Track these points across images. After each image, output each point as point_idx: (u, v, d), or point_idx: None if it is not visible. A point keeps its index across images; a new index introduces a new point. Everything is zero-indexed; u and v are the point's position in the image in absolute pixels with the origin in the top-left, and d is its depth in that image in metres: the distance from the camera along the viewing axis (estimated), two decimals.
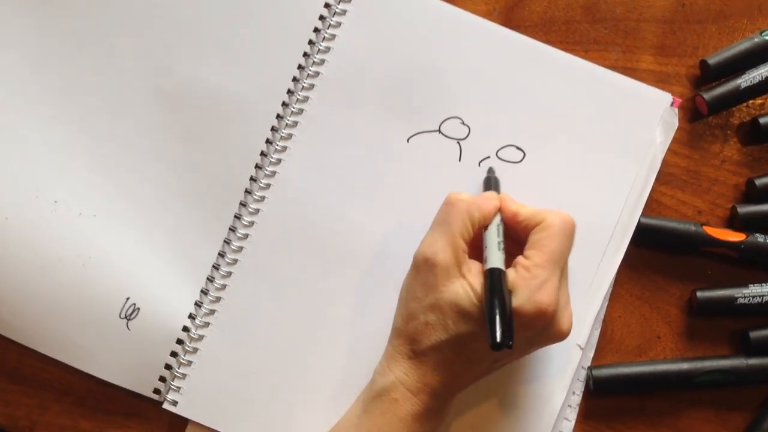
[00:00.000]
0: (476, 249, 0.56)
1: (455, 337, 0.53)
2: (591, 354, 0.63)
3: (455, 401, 0.58)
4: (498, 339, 0.49)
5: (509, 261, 0.55)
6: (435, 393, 0.54)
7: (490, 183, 0.61)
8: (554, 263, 0.53)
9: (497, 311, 0.51)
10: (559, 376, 0.61)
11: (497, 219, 0.57)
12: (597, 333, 0.63)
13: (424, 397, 0.54)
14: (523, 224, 0.56)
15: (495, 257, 0.54)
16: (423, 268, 0.54)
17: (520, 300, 0.52)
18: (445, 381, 0.54)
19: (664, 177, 0.65)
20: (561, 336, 0.55)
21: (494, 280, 0.53)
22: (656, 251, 0.64)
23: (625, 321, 0.63)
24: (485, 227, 0.57)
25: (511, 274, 0.54)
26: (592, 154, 0.63)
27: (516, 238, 0.57)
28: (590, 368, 0.62)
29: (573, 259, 0.58)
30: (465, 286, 0.54)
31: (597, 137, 0.63)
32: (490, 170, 0.62)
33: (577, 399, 0.62)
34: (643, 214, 0.63)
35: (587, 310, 0.62)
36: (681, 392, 0.63)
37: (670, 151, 0.65)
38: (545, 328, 0.54)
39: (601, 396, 0.62)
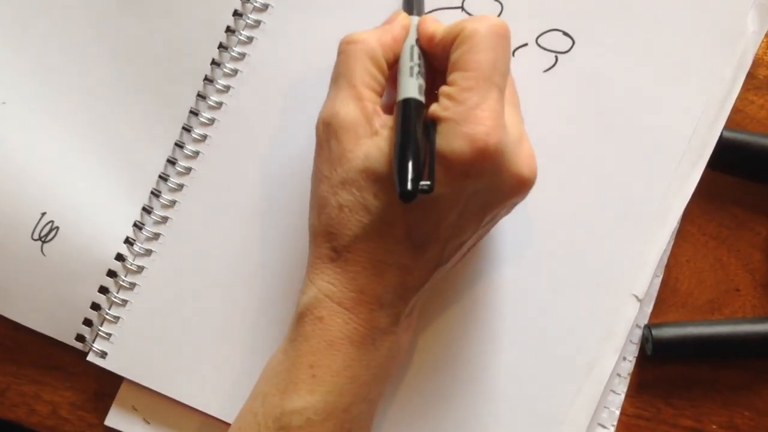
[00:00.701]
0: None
1: (381, 214, 0.45)
2: (649, 309, 0.55)
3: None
4: (408, 185, 0.42)
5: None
6: (376, 301, 0.46)
7: (411, 1, 0.52)
8: (485, 80, 0.45)
9: (407, 149, 0.43)
10: (606, 335, 0.53)
11: (411, 39, 0.49)
12: (658, 282, 0.55)
13: (361, 310, 0.46)
14: (441, 45, 0.47)
15: (408, 86, 0.46)
16: (325, 137, 0.47)
17: (445, 137, 0.44)
18: (386, 282, 0.46)
19: (754, 80, 0.57)
20: (521, 183, 0.46)
21: (407, 113, 0.45)
22: (739, 177, 0.57)
23: (695, 267, 0.56)
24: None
25: (432, 107, 0.45)
26: (661, 44, 0.55)
27: (442, 71, 0.48)
28: (648, 327, 0.54)
29: (629, 181, 0.53)
30: (380, 142, 0.45)
31: (669, 23, 0.55)
32: None
33: (629, 366, 0.55)
34: (726, 126, 0.55)
35: (647, 251, 0.54)
36: (764, 361, 0.56)
37: (765, 45, 0.57)
38: (493, 172, 0.45)
39: (661, 363, 0.56)
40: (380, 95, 0.47)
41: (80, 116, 0.55)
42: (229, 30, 0.55)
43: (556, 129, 0.54)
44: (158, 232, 0.55)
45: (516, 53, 0.54)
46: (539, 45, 0.55)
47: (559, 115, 0.54)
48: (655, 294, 0.55)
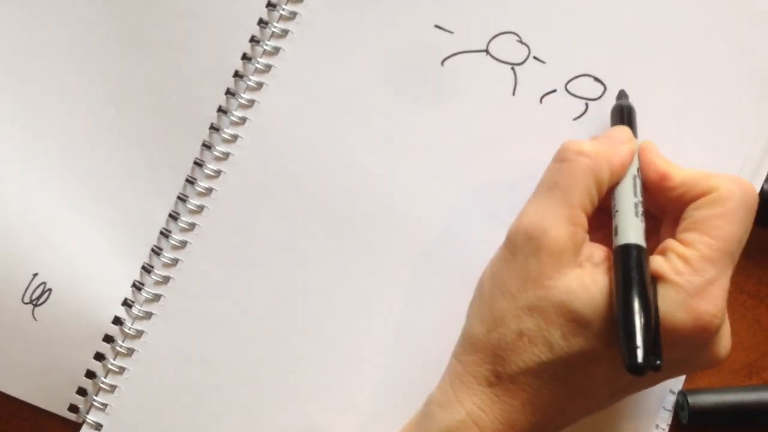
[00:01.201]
0: (599, 227, 0.46)
1: (563, 357, 0.43)
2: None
3: None
4: (640, 358, 0.39)
5: (649, 241, 0.44)
6: None
7: (622, 114, 0.49)
8: (728, 255, 0.43)
9: (637, 312, 0.40)
10: (639, 403, 0.52)
11: (633, 169, 0.45)
12: None
13: None
14: (677, 192, 0.45)
15: (631, 227, 0.43)
16: (522, 250, 0.44)
17: (671, 303, 0.42)
18: (536, 419, 0.44)
19: None
20: (715, 362, 0.45)
21: (631, 264, 0.42)
22: None
23: (733, 328, 0.51)
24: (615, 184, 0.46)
25: (658, 261, 0.43)
26: (698, 90, 0.52)
27: (659, 210, 0.47)
28: (683, 393, 0.52)
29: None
30: (584, 279, 0.42)
31: (706, 66, 0.52)
32: (622, 94, 0.51)
33: None
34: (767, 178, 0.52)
35: None
36: None
37: None
38: (699, 348, 0.43)
39: (697, 431, 0.53)
40: (590, 220, 0.45)
41: (75, 166, 0.53)
42: (237, 75, 0.53)
43: None
44: (159, 293, 0.52)
45: (544, 100, 0.52)
46: (569, 91, 0.52)
47: None
48: None
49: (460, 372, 0.45)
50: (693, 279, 0.42)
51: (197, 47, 0.53)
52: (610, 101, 0.52)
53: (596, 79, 0.52)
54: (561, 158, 0.45)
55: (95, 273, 0.53)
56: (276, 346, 0.52)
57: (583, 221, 0.44)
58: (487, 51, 0.52)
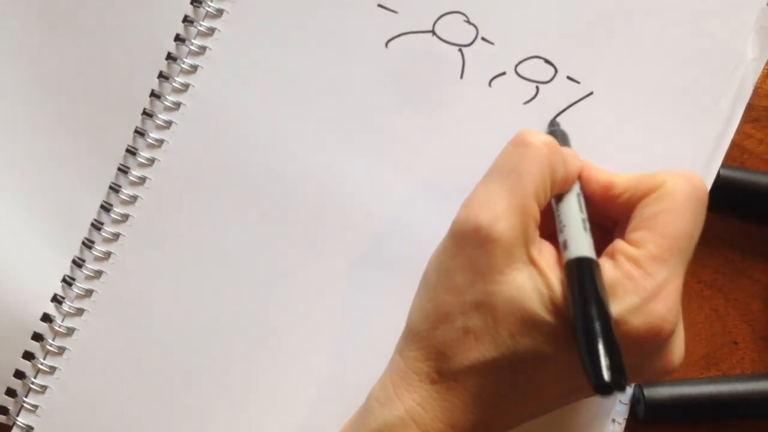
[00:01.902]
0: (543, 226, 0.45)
1: (510, 357, 0.41)
2: None
3: None
4: (606, 377, 0.38)
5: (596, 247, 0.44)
6: None
7: (557, 140, 0.47)
8: (679, 253, 0.41)
9: (599, 332, 0.39)
10: (595, 398, 0.50)
11: (576, 187, 0.45)
12: None
13: None
14: (624, 197, 0.44)
15: (582, 241, 0.42)
16: (470, 241, 0.42)
17: (623, 310, 0.40)
18: (477, 419, 0.43)
19: (753, 111, 0.55)
20: (668, 368, 0.44)
21: (587, 279, 0.41)
22: (737, 218, 0.55)
23: (689, 318, 0.54)
24: (558, 197, 0.44)
25: (608, 268, 0.41)
26: (652, 73, 0.52)
27: (609, 221, 0.46)
28: (639, 386, 0.52)
29: None
30: (535, 277, 0.41)
31: (660, 48, 0.52)
32: (554, 123, 0.50)
33: (619, 429, 0.52)
34: (723, 164, 0.52)
35: None
36: (765, 422, 0.54)
37: (766, 74, 0.55)
38: (652, 354, 0.42)
39: (654, 425, 0.54)
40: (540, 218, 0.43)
41: None
42: (170, 57, 0.51)
43: None
44: (91, 288, 0.51)
45: (493, 83, 0.51)
46: (518, 74, 0.51)
47: None
48: None
49: (401, 367, 0.44)
50: (645, 283, 0.41)
51: (127, 28, 0.51)
52: (561, 84, 0.51)
53: (547, 62, 0.51)
54: (521, 143, 0.43)
55: (22, 267, 0.52)
56: (213, 342, 0.51)
57: (537, 213, 0.42)
58: (433, 32, 0.51)
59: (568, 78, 0.51)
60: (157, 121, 0.50)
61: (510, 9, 0.51)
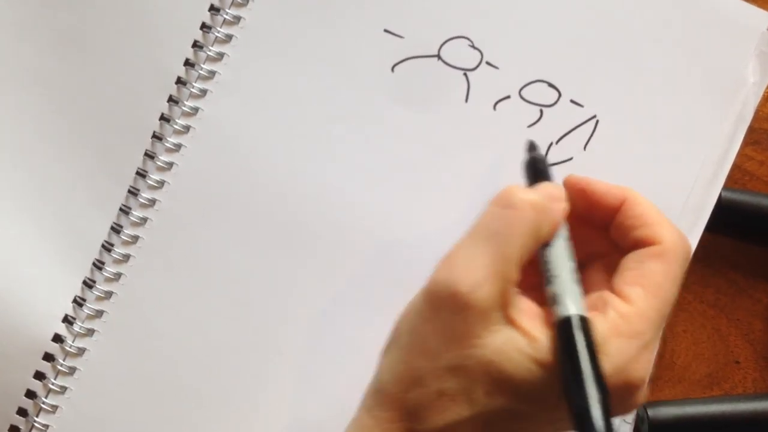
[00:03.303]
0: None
1: (484, 413, 0.40)
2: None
3: None
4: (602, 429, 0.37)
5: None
6: None
7: (536, 169, 0.46)
8: (663, 318, 0.41)
9: (598, 395, 0.38)
10: None
11: (563, 232, 0.43)
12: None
13: None
14: (626, 224, 0.43)
15: (572, 296, 0.41)
16: (446, 307, 0.40)
17: (608, 368, 0.39)
18: None
19: (754, 134, 0.55)
20: (632, 408, 0.43)
21: (579, 340, 0.39)
22: (739, 240, 0.55)
23: (692, 338, 0.54)
24: (544, 243, 0.43)
25: (599, 322, 0.40)
26: (654, 97, 0.52)
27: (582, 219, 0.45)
28: (643, 406, 0.52)
29: None
30: (516, 340, 0.40)
31: (662, 73, 0.52)
32: (532, 146, 0.48)
33: None
34: (725, 186, 0.52)
35: None
36: None
37: (767, 97, 0.54)
38: (623, 400, 0.41)
39: None
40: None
41: (11, 177, 0.52)
42: (180, 81, 0.51)
43: None
44: (101, 309, 0.51)
45: (498, 106, 0.51)
46: (523, 98, 0.51)
47: None
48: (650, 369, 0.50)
49: (370, 427, 0.42)
50: (633, 342, 0.40)
51: (138, 52, 0.51)
52: (564, 108, 0.51)
53: (550, 85, 0.51)
54: (506, 204, 0.41)
55: (34, 288, 0.52)
56: (222, 363, 0.51)
57: (516, 278, 0.41)
58: (438, 56, 0.51)
59: (572, 101, 0.51)
60: (167, 145, 0.50)
61: (514, 34, 0.51)
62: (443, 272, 0.41)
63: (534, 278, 0.42)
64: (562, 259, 0.42)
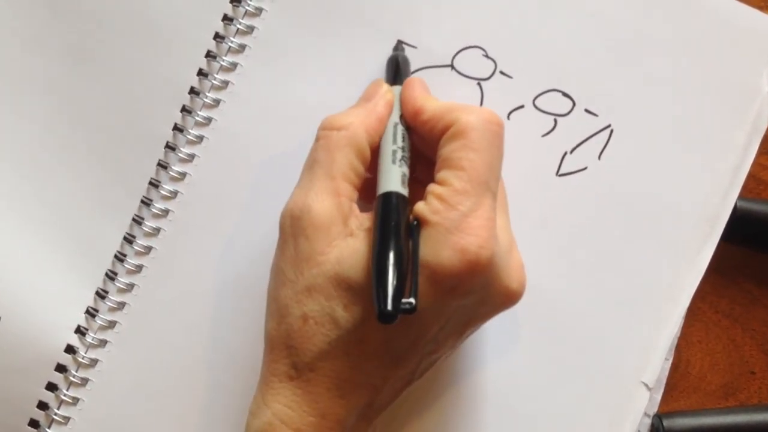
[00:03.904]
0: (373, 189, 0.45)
1: (351, 329, 0.41)
2: (659, 395, 0.52)
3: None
4: (388, 304, 0.38)
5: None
6: (339, 425, 0.43)
7: (397, 66, 0.49)
8: (480, 184, 0.42)
9: (389, 257, 0.39)
10: (614, 427, 0.51)
11: (395, 116, 0.46)
12: (668, 365, 0.52)
13: None
14: (428, 126, 0.44)
15: (390, 175, 0.43)
16: (291, 233, 0.43)
17: (432, 245, 0.41)
18: (351, 403, 0.43)
19: None
20: (510, 296, 0.44)
21: (387, 212, 0.42)
22: (753, 249, 0.54)
23: (707, 348, 0.54)
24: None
25: (419, 207, 0.42)
26: (669, 107, 0.52)
27: (427, 149, 0.46)
28: (658, 416, 0.51)
29: (636, 257, 0.50)
30: (355, 245, 0.42)
31: (677, 83, 0.52)
32: (398, 46, 0.51)
33: None
34: (741, 195, 0.52)
35: (658, 334, 0.51)
36: None
37: None
38: (483, 286, 0.42)
39: None
40: (358, 189, 0.44)
41: (25, 189, 0.51)
42: (193, 91, 0.51)
43: (555, 201, 0.51)
44: (114, 319, 0.51)
45: (512, 116, 0.51)
46: (537, 107, 0.51)
47: (559, 186, 0.51)
48: (665, 378, 0.52)
49: (264, 374, 0.44)
50: (449, 215, 0.41)
51: (151, 63, 0.51)
52: (579, 117, 0.51)
53: (565, 95, 0.51)
54: (318, 136, 0.44)
55: (46, 299, 0.51)
56: (236, 373, 0.50)
57: (349, 191, 0.43)
58: (452, 66, 0.51)
59: (586, 111, 0.50)
60: (180, 155, 0.50)
61: (528, 43, 0.51)
62: (284, 208, 0.44)
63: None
64: (386, 143, 0.44)
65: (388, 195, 0.42)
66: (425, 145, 0.45)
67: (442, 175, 0.42)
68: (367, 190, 0.45)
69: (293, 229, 0.43)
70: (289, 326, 0.42)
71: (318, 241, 0.42)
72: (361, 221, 0.43)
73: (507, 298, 0.43)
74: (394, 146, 0.44)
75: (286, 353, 0.42)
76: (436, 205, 0.41)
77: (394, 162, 0.43)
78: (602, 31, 0.51)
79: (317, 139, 0.44)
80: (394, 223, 0.41)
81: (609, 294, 0.50)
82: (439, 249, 0.40)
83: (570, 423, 0.50)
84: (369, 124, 0.44)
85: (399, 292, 0.38)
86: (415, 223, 0.41)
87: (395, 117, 0.45)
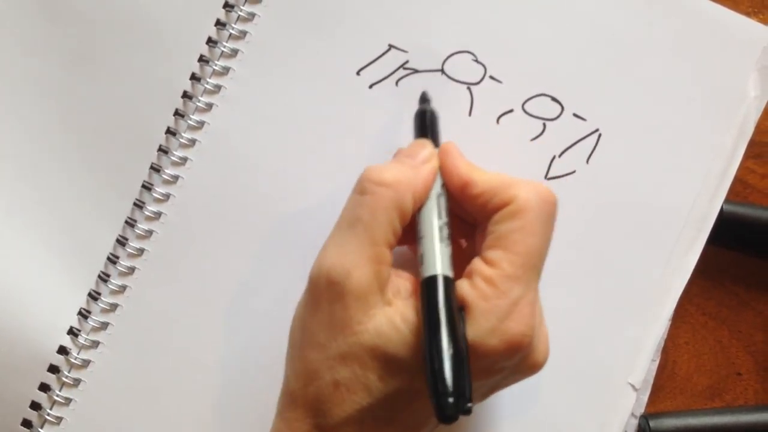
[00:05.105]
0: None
1: (383, 399, 0.40)
2: (645, 396, 0.52)
3: None
4: (448, 408, 0.37)
5: (460, 259, 0.42)
6: None
7: (425, 122, 0.46)
8: (531, 269, 0.41)
9: (445, 356, 0.38)
10: (601, 428, 0.51)
11: (437, 187, 0.43)
12: (654, 366, 0.52)
13: None
14: (481, 200, 0.42)
15: (436, 256, 0.41)
16: (326, 297, 0.41)
17: (480, 331, 0.39)
18: None
19: (755, 147, 0.54)
20: (535, 369, 0.43)
21: (437, 299, 0.39)
22: (740, 252, 0.54)
23: (694, 350, 0.54)
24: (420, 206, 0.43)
25: (464, 288, 0.40)
26: (656, 110, 0.52)
27: (465, 215, 0.45)
28: (645, 417, 0.51)
29: (623, 259, 0.51)
30: (394, 319, 0.40)
31: (664, 87, 0.52)
32: (424, 98, 0.48)
33: None
34: (727, 199, 0.52)
35: (644, 336, 0.51)
36: None
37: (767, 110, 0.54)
38: (516, 364, 0.42)
39: None
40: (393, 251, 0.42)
41: (18, 190, 0.51)
42: (186, 95, 0.51)
43: None
44: (106, 321, 0.50)
45: (501, 120, 0.51)
46: (526, 111, 0.51)
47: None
48: (651, 380, 0.52)
49: (281, 429, 0.43)
50: (499, 303, 0.40)
51: (145, 67, 0.51)
52: (567, 121, 0.51)
53: (554, 99, 0.51)
54: (361, 190, 0.42)
55: (39, 300, 0.51)
56: (228, 376, 0.50)
57: (388, 258, 0.41)
58: (442, 70, 0.51)
59: (575, 115, 0.50)
60: (173, 158, 0.50)
61: (517, 48, 0.51)
62: (317, 265, 0.42)
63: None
64: (428, 218, 0.42)
65: (437, 279, 0.40)
66: (464, 213, 0.44)
67: (493, 255, 0.41)
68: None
69: (329, 293, 0.41)
70: (318, 390, 0.41)
71: (357, 310, 0.40)
72: (398, 288, 0.42)
73: (532, 369, 0.43)
74: (439, 222, 0.42)
75: (312, 414, 0.41)
76: (485, 290, 0.40)
77: (441, 240, 0.41)
78: (591, 37, 0.51)
79: (362, 192, 0.42)
80: (445, 313, 0.39)
81: (596, 295, 0.50)
82: (485, 336, 0.39)
83: (557, 423, 0.50)
84: (416, 189, 0.42)
85: (461, 392, 0.37)
86: (460, 306, 0.40)
87: (438, 187, 0.43)
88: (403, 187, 0.41)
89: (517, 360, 0.41)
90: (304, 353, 0.42)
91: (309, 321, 0.42)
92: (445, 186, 0.43)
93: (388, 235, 0.41)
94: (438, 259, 0.41)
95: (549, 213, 0.42)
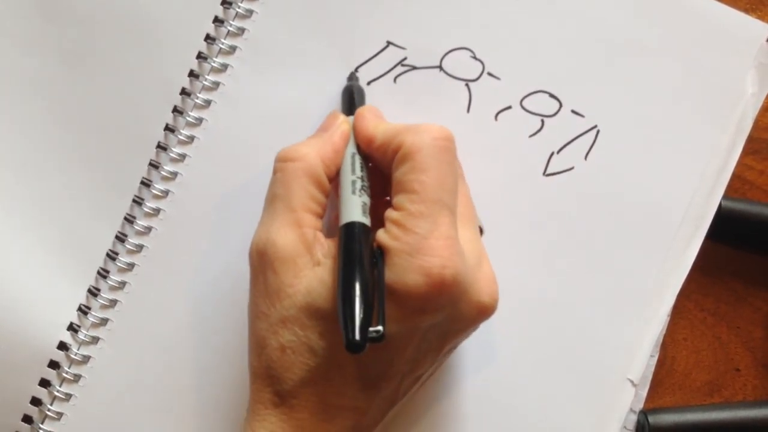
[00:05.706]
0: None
1: (329, 356, 0.42)
2: (644, 392, 0.52)
3: None
4: (356, 334, 0.38)
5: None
6: None
7: (352, 96, 0.49)
8: (434, 203, 0.41)
9: (354, 288, 0.39)
10: (600, 423, 0.51)
11: (351, 147, 0.45)
12: (653, 362, 0.52)
13: None
14: (380, 152, 0.44)
15: (350, 206, 0.43)
16: (260, 268, 0.43)
17: (397, 270, 0.40)
18: (337, 427, 0.43)
19: (753, 144, 0.54)
20: (482, 311, 0.43)
21: (349, 242, 0.41)
22: (739, 248, 0.54)
23: (693, 346, 0.54)
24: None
25: (380, 235, 0.42)
26: (654, 107, 0.52)
27: (385, 175, 0.45)
28: (644, 413, 0.52)
29: (622, 256, 0.50)
30: (322, 275, 0.42)
31: (662, 84, 0.52)
32: (352, 76, 0.50)
33: None
34: (725, 195, 0.53)
35: (643, 332, 0.51)
36: None
37: (766, 108, 0.54)
38: (452, 303, 0.42)
39: None
40: (321, 217, 0.44)
41: (18, 188, 0.51)
42: (184, 92, 0.51)
43: (542, 201, 0.51)
44: (106, 317, 0.50)
45: (499, 116, 0.51)
46: (524, 108, 0.51)
47: (546, 186, 0.51)
48: (650, 375, 0.52)
49: (250, 402, 0.44)
50: (408, 239, 0.41)
51: (143, 64, 0.51)
52: (565, 118, 0.51)
53: (552, 96, 0.51)
54: (275, 170, 0.44)
55: (39, 297, 0.51)
56: (227, 371, 0.50)
57: (311, 221, 0.43)
58: (440, 67, 0.51)
59: (573, 112, 0.50)
60: (172, 155, 0.50)
61: (516, 45, 0.51)
62: (251, 244, 0.44)
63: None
64: (345, 174, 0.44)
65: (350, 225, 0.42)
66: (387, 171, 0.45)
67: (397, 199, 0.42)
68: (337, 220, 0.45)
69: (261, 264, 0.43)
70: (268, 357, 0.42)
71: (285, 273, 0.42)
72: (327, 249, 0.43)
73: (479, 312, 0.43)
74: (353, 176, 0.44)
75: (268, 382, 0.43)
76: (395, 231, 0.41)
77: (353, 192, 0.43)
78: (589, 34, 0.51)
79: (274, 172, 0.44)
80: (357, 253, 0.41)
81: (595, 292, 0.50)
82: (402, 274, 0.40)
83: (556, 420, 0.50)
84: (325, 154, 0.44)
85: (366, 322, 0.38)
86: (379, 251, 0.41)
87: (352, 148, 0.45)
88: (312, 156, 0.44)
89: (451, 298, 0.41)
90: (254, 325, 0.43)
91: (253, 295, 0.44)
92: (359, 147, 0.45)
93: (305, 200, 0.43)
94: (349, 209, 0.42)
95: (441, 147, 0.43)
